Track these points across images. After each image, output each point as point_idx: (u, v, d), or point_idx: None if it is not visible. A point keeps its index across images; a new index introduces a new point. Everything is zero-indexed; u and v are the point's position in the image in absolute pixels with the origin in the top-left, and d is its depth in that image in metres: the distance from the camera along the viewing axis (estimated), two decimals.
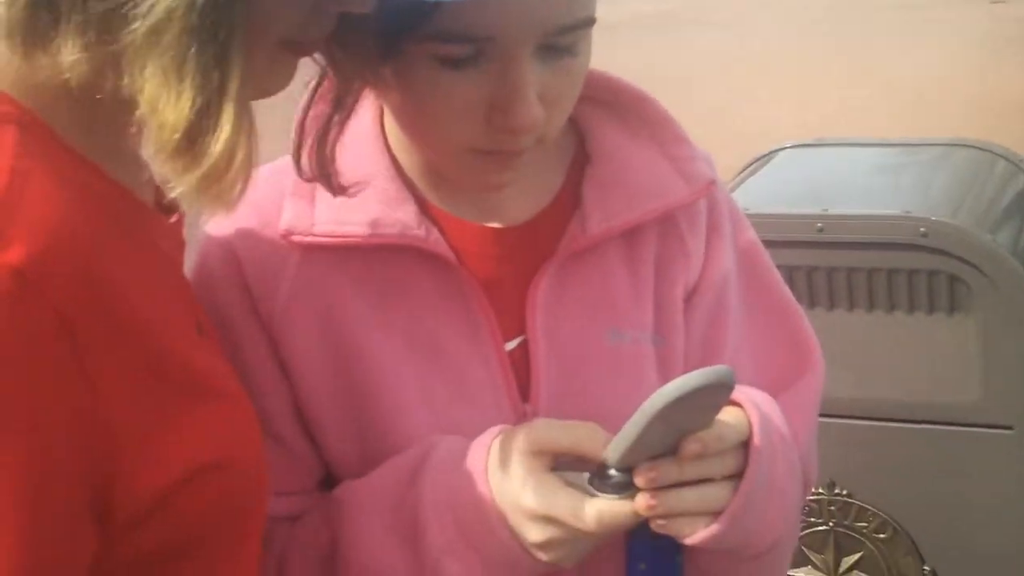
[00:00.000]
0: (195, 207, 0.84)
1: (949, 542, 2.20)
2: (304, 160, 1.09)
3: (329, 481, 1.15)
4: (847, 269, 2.20)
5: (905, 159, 2.79)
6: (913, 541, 2.21)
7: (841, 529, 2.24)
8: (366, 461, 1.10)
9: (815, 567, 2.26)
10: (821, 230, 2.18)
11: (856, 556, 2.24)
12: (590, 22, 1.02)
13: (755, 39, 11.59)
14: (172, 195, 0.82)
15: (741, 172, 2.68)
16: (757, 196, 2.44)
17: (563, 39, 1.00)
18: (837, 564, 2.25)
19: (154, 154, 0.81)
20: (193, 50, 0.77)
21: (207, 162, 0.80)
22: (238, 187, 0.83)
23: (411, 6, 0.93)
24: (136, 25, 0.77)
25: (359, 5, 0.88)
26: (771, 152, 2.76)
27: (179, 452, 0.82)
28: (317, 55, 1.01)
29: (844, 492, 2.23)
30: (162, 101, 0.78)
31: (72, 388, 0.75)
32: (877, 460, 2.22)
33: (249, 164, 0.83)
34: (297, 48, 0.89)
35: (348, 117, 1.08)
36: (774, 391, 1.18)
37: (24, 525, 0.73)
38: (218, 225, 1.14)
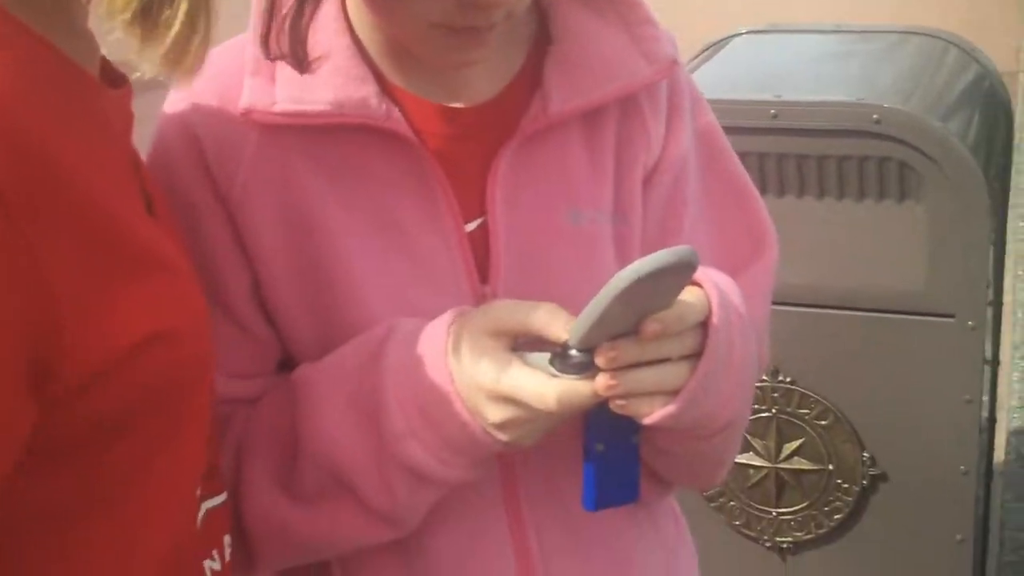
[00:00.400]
0: (154, 75, 0.82)
1: (889, 430, 2.23)
2: (272, 39, 1.07)
3: (287, 365, 1.14)
4: (798, 156, 2.20)
5: (858, 46, 2.78)
6: (854, 428, 2.24)
7: (783, 416, 2.27)
8: (324, 344, 1.10)
9: (756, 453, 2.29)
10: (775, 116, 2.17)
11: (797, 442, 2.28)
12: None
13: None
14: (137, 72, 0.80)
15: (695, 58, 2.66)
16: (711, 82, 2.42)
17: None
18: (779, 450, 2.28)
19: (113, 19, 0.79)
20: None
21: (167, 36, 0.78)
22: (198, 56, 0.82)
23: None
24: None
25: None
26: (725, 38, 2.74)
27: (121, 323, 0.80)
28: None
29: (787, 379, 2.25)
30: None
31: (7, 256, 0.73)
32: (820, 347, 2.25)
33: (208, 32, 0.81)
34: None
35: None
36: (730, 274, 1.18)
37: None
38: (176, 103, 1.11)
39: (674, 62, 1.17)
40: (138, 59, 0.80)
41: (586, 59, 1.14)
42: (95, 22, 0.85)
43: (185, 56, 0.81)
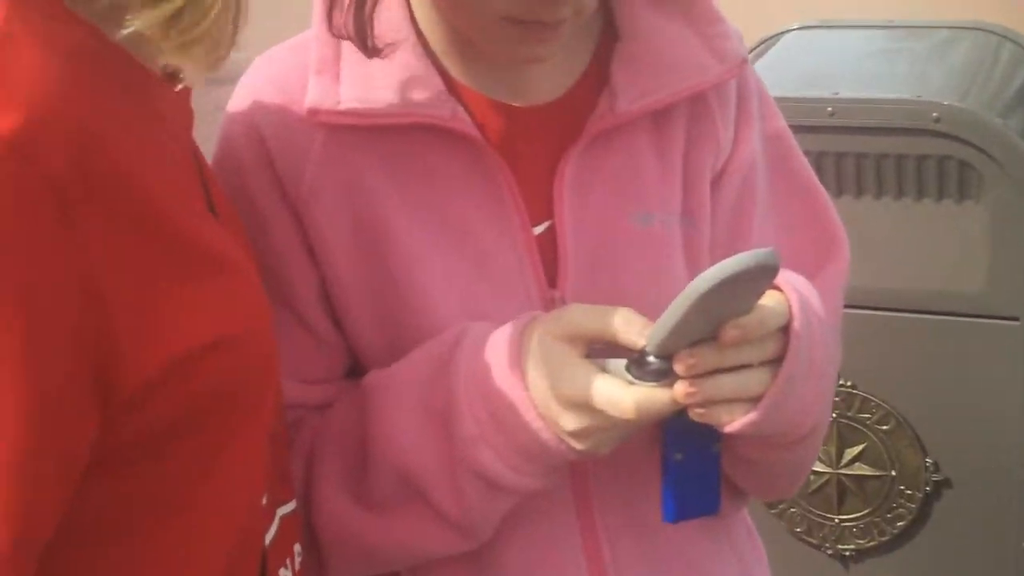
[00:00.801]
0: (174, 60, 0.81)
1: (952, 434, 2.18)
2: (336, 18, 1.06)
3: (356, 371, 1.12)
4: (856, 154, 2.16)
5: (912, 42, 2.73)
6: (916, 433, 2.19)
7: (844, 420, 2.22)
8: (393, 348, 1.07)
9: (818, 459, 2.24)
10: (832, 114, 2.13)
11: (859, 448, 2.23)
12: None
13: None
14: (127, 30, 0.77)
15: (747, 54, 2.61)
16: (765, 79, 2.34)
17: None
18: (840, 455, 2.24)
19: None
20: None
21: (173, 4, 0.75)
22: (216, 43, 0.79)
23: None
24: None
25: None
26: (777, 34, 2.70)
27: (180, 329, 0.78)
28: None
29: (848, 383, 2.20)
30: None
31: (67, 259, 0.71)
32: (881, 351, 2.20)
33: (227, 19, 0.78)
34: None
35: None
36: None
37: (24, 403, 0.70)
38: (240, 103, 1.10)
39: (744, 60, 1.14)
40: (134, 18, 0.77)
41: (654, 57, 1.11)
42: None
43: (219, 43, 0.79)
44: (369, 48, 1.05)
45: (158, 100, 0.87)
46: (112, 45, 0.81)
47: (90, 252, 0.72)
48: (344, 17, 1.06)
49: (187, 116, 0.93)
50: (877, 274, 2.18)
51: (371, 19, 1.05)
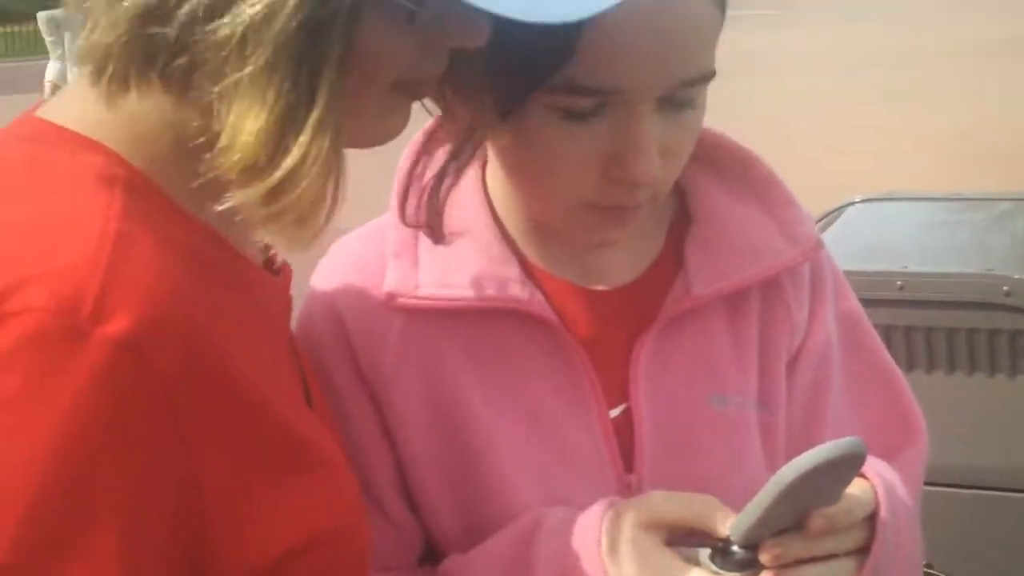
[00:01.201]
0: (272, 238, 0.82)
1: None
2: (410, 207, 1.07)
3: (431, 558, 1.11)
4: (926, 328, 2.15)
5: (977, 214, 2.74)
6: None
7: None
8: (470, 531, 1.07)
9: None
10: (901, 288, 2.13)
11: None
12: (711, 75, 1.00)
13: (805, 87, 11.57)
14: (230, 209, 0.79)
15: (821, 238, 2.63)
16: (832, 253, 2.38)
17: (685, 92, 0.99)
18: None
19: (227, 176, 0.78)
20: (279, 70, 0.75)
21: (271, 179, 0.77)
22: (312, 228, 0.80)
23: (542, 58, 0.92)
24: (223, 34, 0.75)
25: (471, 39, 0.85)
26: (841, 207, 2.72)
27: (278, 524, 0.79)
28: (429, 102, 0.99)
29: (924, 562, 2.16)
30: (244, 119, 0.76)
31: (172, 461, 0.73)
32: (953, 529, 2.15)
33: (322, 200, 0.80)
34: (409, 89, 0.87)
35: (464, 167, 1.07)
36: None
37: None
38: (322, 281, 1.12)
39: (818, 244, 1.15)
40: (237, 199, 0.79)
41: (728, 240, 1.12)
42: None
43: (300, 223, 0.80)
44: (438, 236, 1.07)
45: (260, 291, 0.89)
46: (217, 236, 0.84)
47: (193, 450, 0.74)
48: (417, 204, 1.08)
49: (287, 305, 0.95)
50: (950, 451, 2.14)
51: (443, 207, 1.07)
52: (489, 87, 0.96)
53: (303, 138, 0.77)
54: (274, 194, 0.78)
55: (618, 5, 0.80)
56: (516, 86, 0.96)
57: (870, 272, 2.17)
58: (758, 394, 1.13)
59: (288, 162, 0.77)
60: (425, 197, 1.08)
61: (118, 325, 0.72)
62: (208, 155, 0.80)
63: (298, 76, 0.76)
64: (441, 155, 1.10)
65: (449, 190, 1.08)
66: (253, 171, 0.77)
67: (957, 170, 7.16)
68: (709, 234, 1.13)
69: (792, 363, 1.16)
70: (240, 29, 0.75)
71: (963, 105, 9.85)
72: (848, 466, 0.90)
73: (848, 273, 2.14)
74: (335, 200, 0.81)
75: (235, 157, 0.77)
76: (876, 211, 2.72)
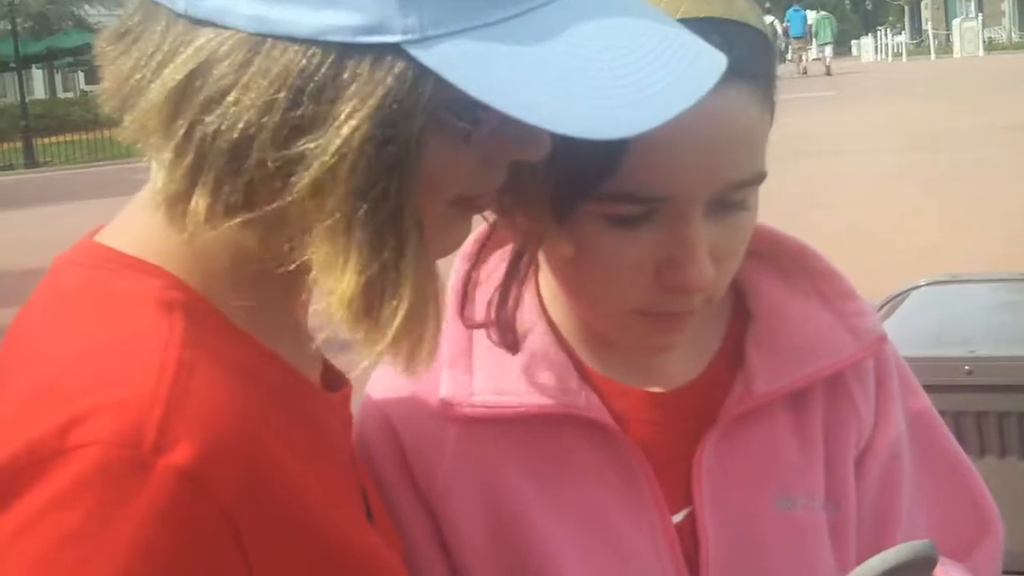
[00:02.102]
0: (393, 366, 0.83)
1: None
2: (472, 315, 1.08)
3: None
4: (997, 413, 2.11)
5: None
6: None
7: None
8: None
9: None
10: (969, 372, 2.10)
11: None
12: (762, 177, 0.99)
13: (865, 168, 11.52)
14: (361, 367, 0.80)
15: (876, 312, 2.60)
16: (897, 338, 2.33)
17: (735, 194, 0.98)
18: None
19: (335, 318, 0.79)
20: (360, 213, 0.75)
21: (389, 331, 0.78)
22: (426, 350, 0.81)
23: (589, 168, 0.92)
24: (296, 184, 0.76)
25: (531, 152, 0.85)
26: (905, 291, 2.68)
27: None
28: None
29: None
30: (333, 268, 0.77)
31: None
32: None
33: (437, 325, 0.81)
34: (469, 204, 0.87)
35: (526, 277, 1.07)
36: (954, 557, 1.11)
37: None
38: (376, 390, 1.11)
39: (882, 338, 1.13)
40: (363, 352, 0.80)
41: (789, 337, 1.10)
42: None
43: (413, 348, 0.80)
44: (512, 345, 1.06)
45: (317, 409, 0.89)
46: (277, 359, 0.84)
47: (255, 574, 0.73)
48: (487, 313, 1.07)
49: (346, 421, 0.95)
50: None
51: (513, 323, 1.07)
52: (543, 196, 0.96)
53: (410, 276, 0.78)
54: (399, 337, 0.79)
55: (672, 118, 0.79)
56: (566, 195, 0.96)
57: (937, 358, 2.14)
58: (826, 493, 1.11)
59: (405, 304, 0.78)
60: (493, 313, 1.07)
61: (181, 455, 0.72)
62: (272, 283, 0.81)
63: (382, 215, 0.76)
64: (495, 260, 1.09)
65: (516, 303, 1.07)
66: (358, 315, 0.78)
67: (1021, 248, 7.08)
68: (768, 331, 1.11)
69: (860, 460, 1.13)
70: (312, 175, 0.75)
71: (1013, 182, 9.77)
72: (919, 569, 0.88)
73: (915, 359, 2.13)
74: (440, 317, 0.82)
75: (341, 308, 0.78)
76: (941, 294, 2.68)
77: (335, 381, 0.95)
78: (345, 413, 0.94)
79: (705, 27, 0.92)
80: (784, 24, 33.76)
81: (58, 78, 42.68)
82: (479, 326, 1.08)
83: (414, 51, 0.75)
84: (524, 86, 0.76)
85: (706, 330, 1.12)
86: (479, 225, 1.07)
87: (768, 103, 0.99)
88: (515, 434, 1.07)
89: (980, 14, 48.23)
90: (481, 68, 0.75)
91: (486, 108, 0.76)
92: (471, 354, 1.08)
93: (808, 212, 8.88)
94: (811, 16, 37.68)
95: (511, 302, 1.07)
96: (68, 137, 23.44)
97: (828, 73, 33.17)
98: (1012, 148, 12.16)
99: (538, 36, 0.78)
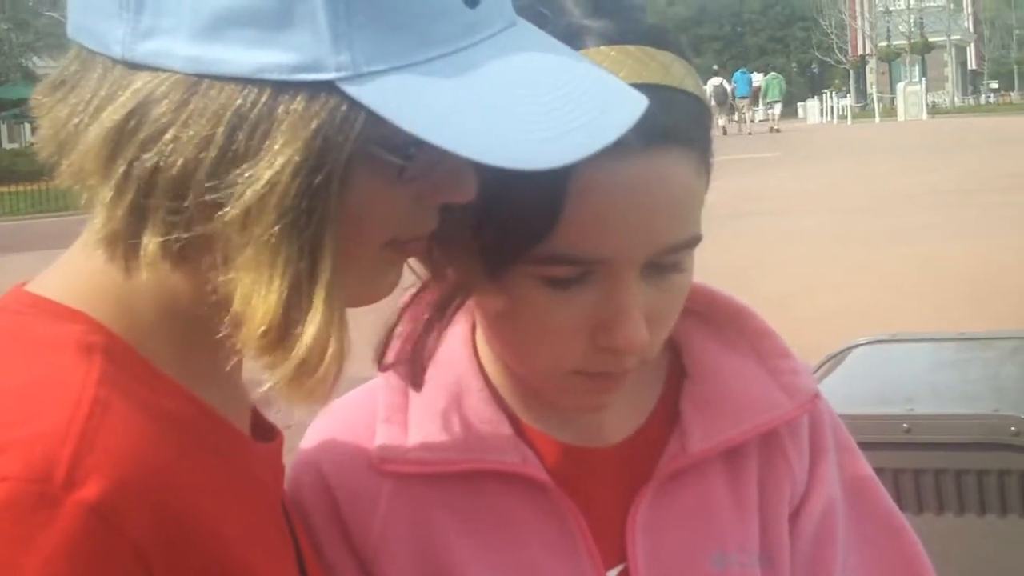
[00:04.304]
0: (287, 403, 0.83)
1: None
2: (391, 360, 1.07)
3: None
4: (935, 471, 2.12)
5: (983, 353, 2.72)
6: None
7: None
8: None
9: None
10: (908, 430, 2.11)
11: None
12: (697, 239, 1.00)
13: (800, 230, 11.65)
14: (264, 389, 0.81)
15: (816, 371, 2.62)
16: (837, 396, 2.33)
17: (671, 257, 0.98)
18: None
19: (246, 348, 0.80)
20: (283, 242, 0.77)
21: (297, 356, 0.78)
22: (329, 383, 0.81)
23: (525, 229, 0.93)
24: (226, 213, 0.77)
25: (459, 194, 0.86)
26: (844, 349, 2.71)
27: None
28: (418, 266, 1.00)
29: None
30: (253, 296, 0.77)
31: None
32: None
33: (340, 360, 0.81)
34: (401, 248, 0.88)
35: (447, 325, 1.07)
36: None
37: None
38: (310, 446, 1.11)
39: (816, 396, 1.14)
40: (269, 378, 0.80)
41: (724, 395, 1.11)
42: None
43: (308, 383, 0.80)
44: (416, 383, 1.06)
45: (246, 459, 0.89)
46: (202, 408, 0.84)
47: None
48: (398, 354, 1.07)
49: (278, 472, 0.95)
50: None
51: (425, 362, 1.07)
52: (475, 251, 0.96)
53: (319, 305, 0.78)
54: (303, 366, 0.79)
55: (594, 152, 0.80)
56: (501, 255, 0.96)
57: (877, 415, 2.16)
58: (760, 550, 1.11)
59: (311, 331, 0.78)
60: (409, 347, 1.07)
61: (91, 491, 0.72)
62: (200, 328, 0.81)
63: (302, 244, 0.78)
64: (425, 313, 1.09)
65: (433, 350, 1.08)
66: (271, 343, 0.79)
67: (963, 309, 7.16)
68: (704, 389, 1.12)
69: (795, 516, 1.14)
70: (243, 205, 0.76)
71: (969, 243, 9.91)
72: None
73: (854, 416, 2.16)
74: (342, 358, 0.82)
75: (254, 330, 0.78)
76: (881, 353, 2.71)
77: (266, 432, 0.94)
78: (276, 463, 0.94)
79: (642, 93, 0.94)
80: (732, 85, 35.21)
81: (3, 128, 42.39)
82: (391, 365, 1.07)
83: (347, 87, 0.77)
84: (453, 120, 0.78)
85: (643, 388, 1.13)
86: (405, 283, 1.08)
87: (704, 167, 1.00)
88: (450, 491, 1.06)
89: (924, 79, 49.11)
90: (412, 103, 0.77)
91: (417, 144, 0.78)
92: (407, 410, 1.08)
93: (753, 272, 8.96)
94: (759, 77, 39.12)
95: (430, 341, 1.07)
96: (13, 188, 23.25)
97: (776, 131, 34.61)
98: (955, 210, 12.32)
99: (468, 73, 0.80)
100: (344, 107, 0.77)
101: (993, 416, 2.09)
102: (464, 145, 0.77)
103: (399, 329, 1.08)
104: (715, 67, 41.49)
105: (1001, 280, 8.20)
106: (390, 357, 1.08)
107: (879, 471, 2.09)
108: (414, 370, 1.07)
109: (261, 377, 0.81)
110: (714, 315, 1.16)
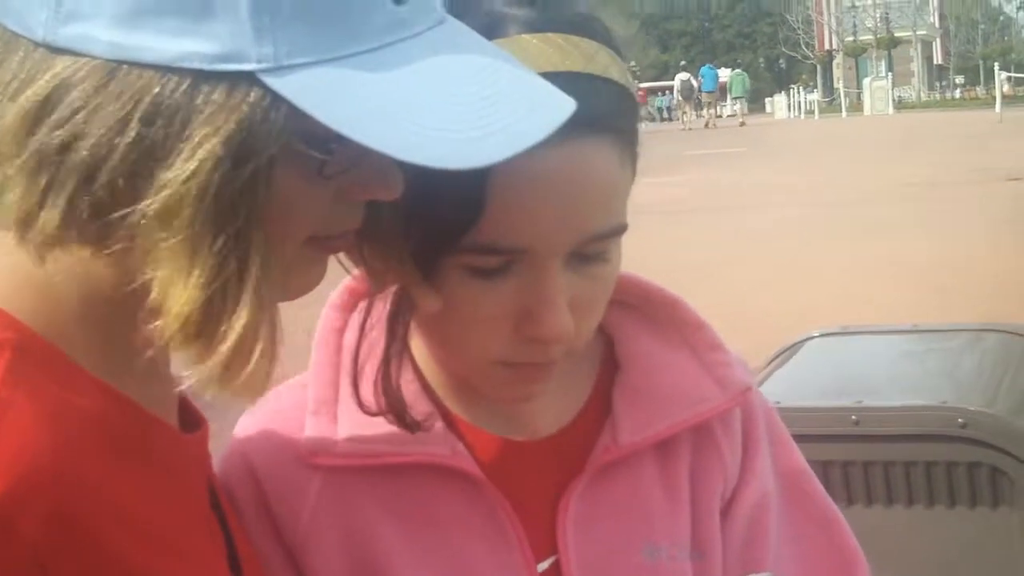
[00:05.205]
0: (217, 399, 0.82)
1: None
2: (366, 394, 1.06)
3: None
4: (884, 463, 2.13)
5: (935, 345, 2.74)
6: None
7: None
8: None
9: None
10: (856, 423, 2.12)
11: None
12: (622, 229, 0.99)
13: (766, 225, 11.69)
14: (189, 384, 0.80)
15: (769, 363, 2.63)
16: (788, 389, 2.38)
17: (595, 247, 0.98)
18: None
19: (165, 340, 0.79)
20: (206, 235, 0.76)
21: (223, 352, 0.78)
22: (259, 381, 0.81)
23: (450, 220, 0.92)
24: (147, 206, 0.76)
25: (384, 192, 0.85)
26: (798, 342, 2.71)
27: None
28: (346, 259, 0.99)
29: None
30: (173, 287, 0.77)
31: None
32: None
33: (271, 359, 0.80)
34: (323, 244, 0.87)
35: (404, 347, 1.06)
36: None
37: None
38: (241, 435, 1.10)
39: (748, 388, 1.14)
40: (196, 378, 0.79)
41: (656, 387, 1.11)
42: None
43: (238, 378, 0.80)
44: (410, 424, 1.05)
45: (170, 451, 0.88)
46: (122, 401, 0.83)
47: None
48: (375, 394, 1.06)
49: (203, 461, 0.94)
50: None
51: (400, 396, 1.05)
52: (405, 246, 0.96)
53: (246, 302, 0.78)
54: (231, 363, 0.78)
55: (518, 152, 0.80)
56: (427, 247, 0.96)
57: (826, 408, 2.17)
58: (692, 542, 1.11)
59: (237, 327, 0.78)
60: (380, 390, 1.06)
61: None
62: (124, 318, 0.81)
63: (226, 239, 0.77)
64: (362, 310, 1.09)
65: (399, 375, 1.06)
66: (192, 335, 0.78)
67: (930, 303, 7.20)
68: (637, 381, 1.12)
69: (727, 509, 1.14)
70: (163, 197, 0.76)
71: (935, 237, 9.97)
72: None
73: (804, 409, 2.17)
74: (273, 353, 0.82)
75: (173, 322, 0.77)
76: (833, 345, 2.72)
77: (193, 421, 0.94)
78: (202, 453, 0.93)
79: (564, 81, 0.93)
80: (699, 80, 35.70)
81: None
82: (375, 414, 1.06)
83: (269, 80, 0.76)
84: (375, 117, 0.77)
85: (576, 379, 1.13)
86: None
87: (628, 156, 1.00)
88: (380, 484, 1.06)
89: (890, 73, 49.32)
90: (334, 98, 0.76)
91: (340, 139, 0.77)
92: (337, 403, 1.07)
93: (717, 266, 8.99)
94: (726, 73, 39.59)
95: (394, 379, 1.06)
96: None
97: (742, 124, 35.52)
98: (920, 204, 12.39)
99: (392, 69, 0.79)
100: (266, 100, 0.76)
101: (941, 408, 2.10)
102: (384, 142, 0.76)
103: (366, 371, 1.07)
104: (683, 63, 41.83)
105: (967, 273, 8.25)
106: (370, 406, 1.06)
107: (828, 463, 2.13)
108: (399, 412, 1.05)
109: (187, 371, 0.81)
110: (648, 307, 1.16)
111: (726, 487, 1.14)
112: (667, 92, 51.01)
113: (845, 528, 1.21)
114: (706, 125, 35.88)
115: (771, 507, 1.15)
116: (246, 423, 1.11)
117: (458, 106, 0.79)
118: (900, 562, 2.12)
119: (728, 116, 39.90)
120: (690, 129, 34.40)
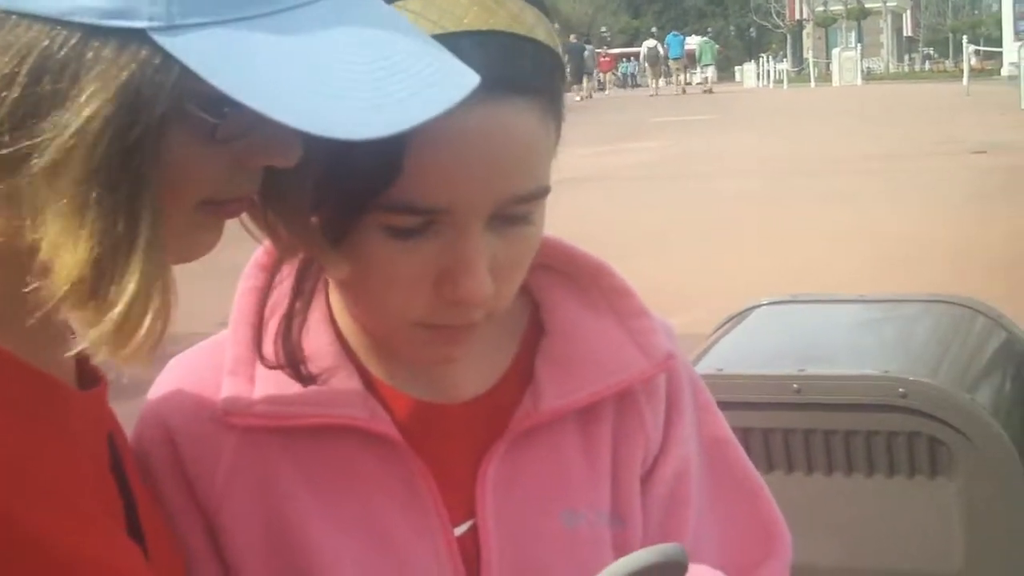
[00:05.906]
0: (110, 361, 0.81)
1: None
2: (268, 348, 1.05)
3: None
4: (824, 431, 2.14)
5: (883, 316, 2.75)
6: None
7: None
8: None
9: None
10: (798, 391, 2.12)
11: None
12: (545, 191, 0.99)
13: (730, 193, 11.70)
14: (81, 348, 0.79)
15: (715, 331, 2.63)
16: (732, 356, 2.39)
17: (517, 209, 0.97)
18: None
19: (54, 299, 0.77)
20: (94, 195, 0.75)
21: (115, 314, 0.76)
22: (152, 342, 0.79)
23: (367, 178, 0.91)
24: (34, 164, 0.74)
25: (280, 158, 0.84)
26: (745, 310, 2.71)
27: None
28: (253, 226, 0.97)
29: None
30: (63, 247, 0.75)
31: None
32: None
33: (164, 320, 0.79)
34: (217, 209, 0.86)
35: (310, 303, 1.06)
36: (741, 574, 1.13)
37: None
38: (154, 402, 1.09)
39: (671, 355, 1.13)
40: (87, 340, 0.78)
41: (579, 353, 1.11)
42: None
43: (131, 339, 0.78)
44: (304, 377, 1.05)
45: (59, 411, 0.86)
46: (11, 361, 0.82)
47: None
48: (274, 347, 1.06)
49: (99, 418, 0.92)
50: (849, 553, 2.13)
51: (300, 348, 1.06)
52: (310, 210, 0.95)
53: (137, 264, 0.76)
54: (123, 325, 0.77)
55: (419, 123, 0.79)
56: (341, 207, 0.95)
57: (768, 376, 2.17)
58: (611, 509, 1.11)
59: (130, 289, 0.76)
60: (279, 340, 1.06)
61: None
62: (13, 278, 0.79)
63: (116, 200, 0.75)
64: (287, 272, 1.08)
65: (300, 331, 1.06)
66: (82, 297, 0.77)
67: (894, 273, 7.24)
68: (560, 346, 1.11)
69: (647, 477, 1.14)
70: (50, 156, 0.74)
71: (900, 207, 10.01)
72: (669, 573, 0.87)
73: (747, 376, 2.18)
74: (166, 314, 0.80)
75: (62, 282, 0.76)
76: (780, 313, 2.72)
77: (91, 378, 0.92)
78: (100, 411, 0.92)
79: (487, 39, 0.92)
80: (665, 47, 36.24)
81: None
82: (276, 367, 1.06)
83: (160, 38, 0.75)
84: (272, 81, 0.75)
85: (499, 344, 1.12)
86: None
87: (553, 118, 0.99)
88: (296, 445, 1.05)
89: (860, 44, 49.38)
90: (228, 61, 0.75)
91: (234, 103, 0.75)
92: (254, 363, 1.07)
93: (682, 233, 9.00)
94: (695, 41, 39.97)
95: (295, 334, 1.06)
96: None
97: (710, 92, 36.03)
98: (887, 175, 12.44)
99: (289, 34, 0.78)
100: (157, 59, 0.75)
101: (882, 378, 2.11)
102: (277, 108, 0.75)
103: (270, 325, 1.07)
104: (653, 29, 41.98)
105: (932, 244, 8.30)
106: (270, 359, 1.06)
107: (770, 431, 2.13)
108: (294, 364, 1.05)
109: (78, 334, 0.79)
110: (574, 272, 1.15)
111: (647, 454, 1.14)
112: (632, 59, 51.26)
113: (768, 498, 1.22)
114: (683, 91, 36.27)
115: (692, 475, 1.15)
116: (161, 383, 1.10)
117: (355, 74, 0.78)
118: (839, 530, 2.13)
119: (697, 84, 40.02)
120: (656, 95, 34.59)
